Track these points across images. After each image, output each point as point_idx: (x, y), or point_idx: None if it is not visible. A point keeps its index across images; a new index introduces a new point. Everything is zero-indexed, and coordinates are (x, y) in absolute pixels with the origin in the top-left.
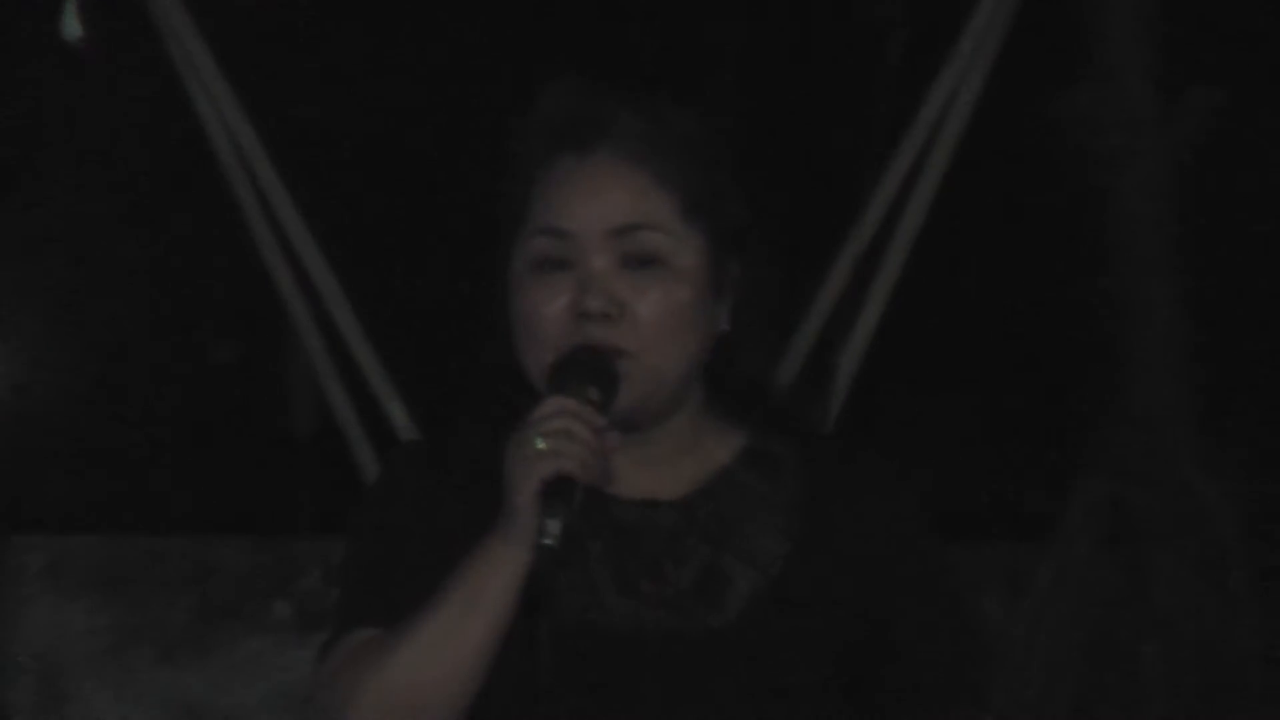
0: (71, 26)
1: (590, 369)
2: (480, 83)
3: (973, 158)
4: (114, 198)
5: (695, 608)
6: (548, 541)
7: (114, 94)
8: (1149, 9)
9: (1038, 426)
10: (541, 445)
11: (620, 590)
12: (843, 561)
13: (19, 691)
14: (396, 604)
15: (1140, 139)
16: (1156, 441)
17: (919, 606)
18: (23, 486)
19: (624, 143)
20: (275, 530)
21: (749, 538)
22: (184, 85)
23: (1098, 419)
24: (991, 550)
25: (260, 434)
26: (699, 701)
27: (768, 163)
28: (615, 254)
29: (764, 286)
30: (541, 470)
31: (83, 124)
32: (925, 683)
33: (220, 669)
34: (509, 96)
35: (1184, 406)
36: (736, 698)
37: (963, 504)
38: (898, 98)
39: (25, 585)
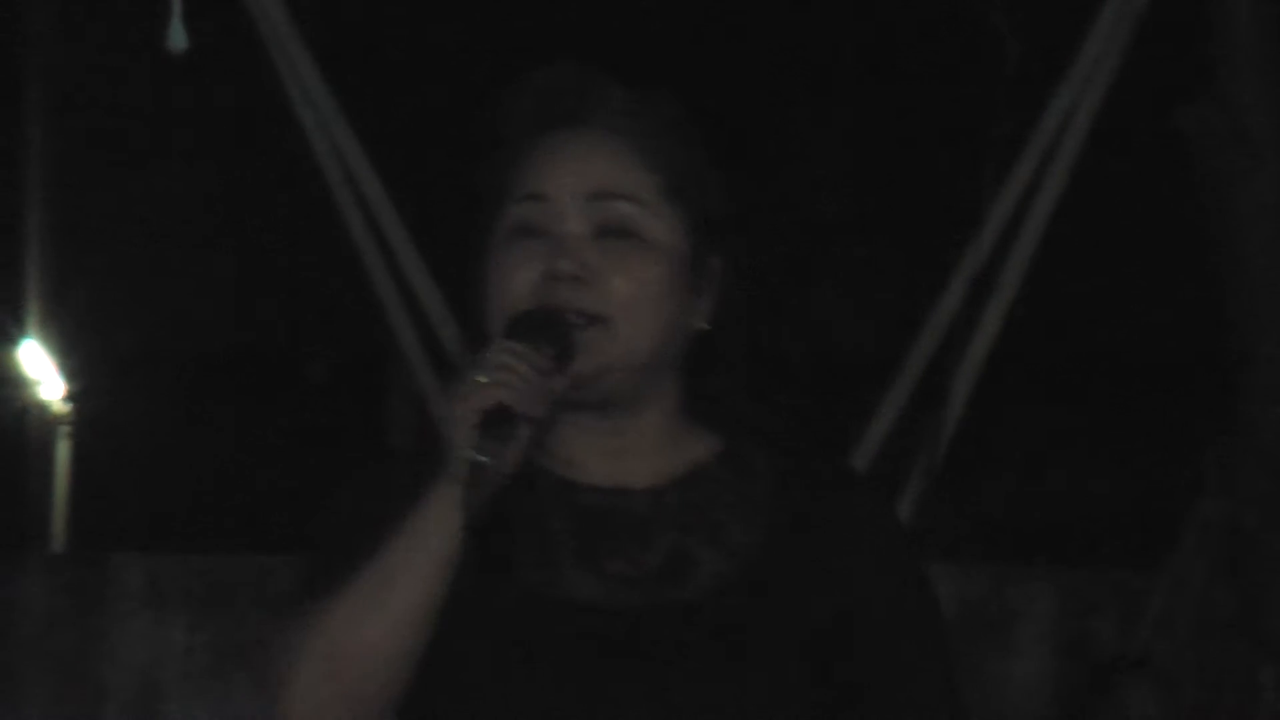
0: (179, 38)
1: (544, 326)
2: None
3: (1091, 174)
4: (211, 217)
5: (661, 586)
6: (481, 458)
7: (215, 102)
8: (1271, 28)
9: (1155, 449)
10: (481, 379)
11: (582, 566)
12: (815, 558)
13: (117, 709)
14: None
15: (1258, 158)
16: (1273, 465)
17: (892, 617)
18: (122, 504)
19: (610, 117)
20: None
21: (720, 526)
22: (286, 93)
23: (1215, 442)
24: (1107, 573)
25: (361, 451)
26: (662, 675)
27: (877, 173)
28: (591, 221)
29: (744, 287)
30: (479, 400)
31: (183, 135)
32: (894, 691)
33: None
34: None
35: None
36: (700, 674)
37: (1079, 526)
38: (1016, 113)
39: (124, 603)
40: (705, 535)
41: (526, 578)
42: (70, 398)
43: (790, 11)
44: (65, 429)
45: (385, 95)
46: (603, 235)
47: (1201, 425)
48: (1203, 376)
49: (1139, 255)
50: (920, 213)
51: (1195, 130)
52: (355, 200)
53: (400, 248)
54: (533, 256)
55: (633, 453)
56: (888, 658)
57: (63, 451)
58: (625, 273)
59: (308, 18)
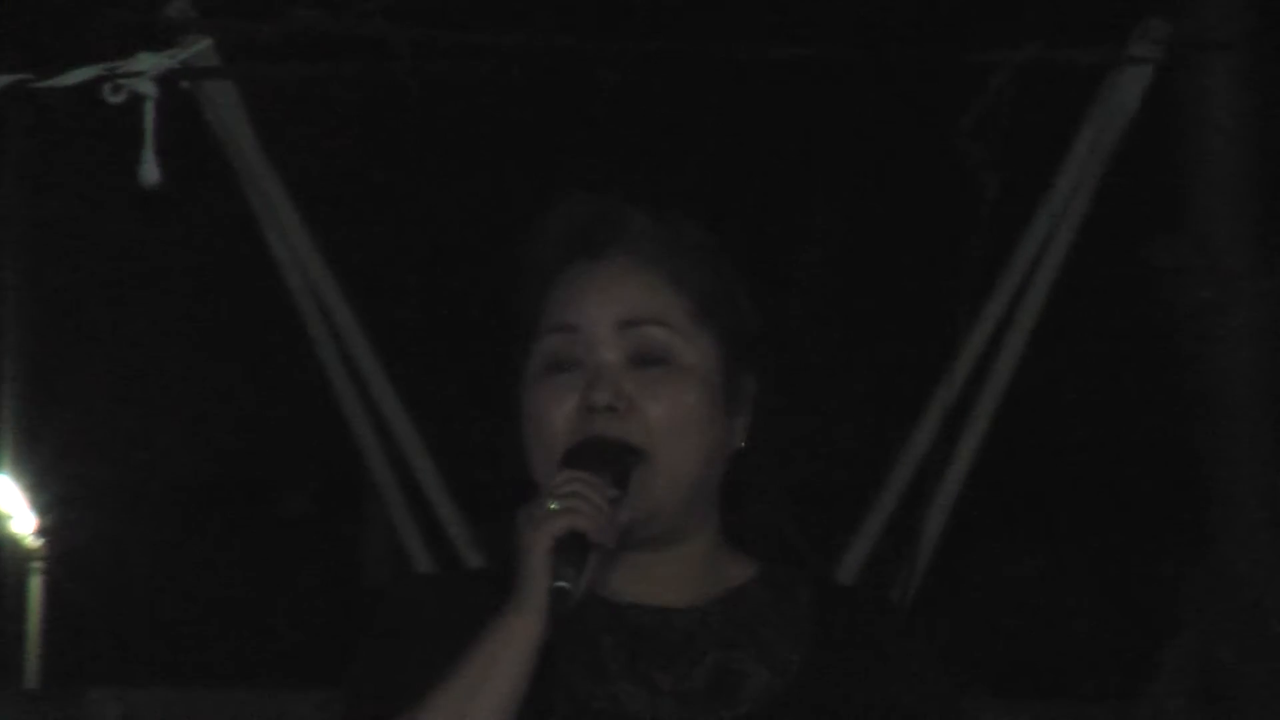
0: (150, 173)
1: (601, 456)
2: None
3: (1066, 304)
4: (186, 351)
5: (711, 702)
6: (561, 584)
7: (189, 236)
8: (1243, 162)
9: (1130, 583)
10: (553, 505)
11: (633, 680)
12: (857, 675)
13: None
14: (404, 698)
15: (1232, 292)
16: (1248, 599)
17: None
18: (97, 638)
19: (636, 244)
20: None
21: (764, 643)
22: (261, 228)
23: (1189, 576)
24: (1082, 709)
25: (333, 587)
26: None
27: (858, 298)
28: (624, 350)
29: (780, 405)
30: (553, 528)
31: (157, 269)
32: None
33: None
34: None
35: (1276, 563)
36: None
37: (1051, 660)
38: (991, 242)
39: None
40: (751, 651)
41: (580, 692)
42: (43, 532)
43: (768, 142)
44: (38, 564)
45: (362, 232)
46: (636, 364)
47: (1176, 559)
48: (1177, 510)
49: (1112, 389)
50: (895, 343)
51: (1169, 263)
52: (330, 334)
53: (374, 381)
54: (568, 389)
55: (676, 578)
56: None
57: (35, 586)
58: (662, 400)
59: (282, 153)
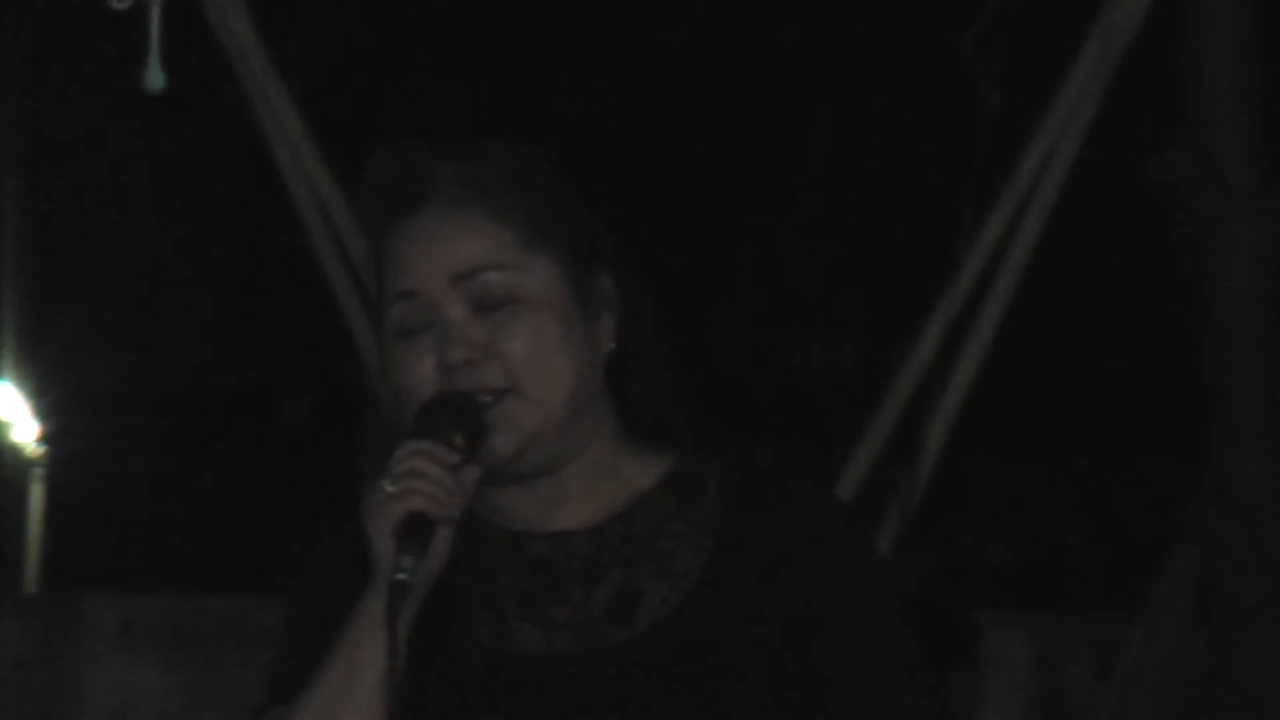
0: (155, 78)
1: (452, 411)
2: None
3: (1067, 221)
4: (188, 256)
5: (606, 627)
6: (400, 576)
7: (191, 143)
8: (1245, 74)
9: (1130, 496)
10: (391, 488)
11: (528, 618)
12: (764, 574)
13: None
14: (302, 682)
15: (1235, 204)
16: (1248, 514)
17: (851, 621)
18: (97, 545)
19: (447, 191)
20: None
21: (663, 555)
22: (263, 131)
23: (1189, 489)
24: (1080, 620)
25: (332, 494)
26: (614, 717)
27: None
28: (466, 301)
29: (643, 296)
30: (392, 513)
31: (159, 176)
32: (860, 695)
33: None
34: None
35: (1276, 480)
36: (652, 711)
37: (1051, 574)
38: (993, 157)
39: (98, 643)
40: (650, 567)
41: (477, 634)
42: (44, 439)
43: (765, 53)
44: (39, 470)
45: (363, 134)
46: (482, 310)
47: (1176, 472)
48: (1178, 424)
49: (1115, 303)
50: (897, 258)
51: (1172, 177)
52: (331, 239)
53: (374, 286)
54: (422, 352)
55: (574, 494)
56: (850, 663)
57: (36, 493)
58: (515, 338)
59: (285, 58)
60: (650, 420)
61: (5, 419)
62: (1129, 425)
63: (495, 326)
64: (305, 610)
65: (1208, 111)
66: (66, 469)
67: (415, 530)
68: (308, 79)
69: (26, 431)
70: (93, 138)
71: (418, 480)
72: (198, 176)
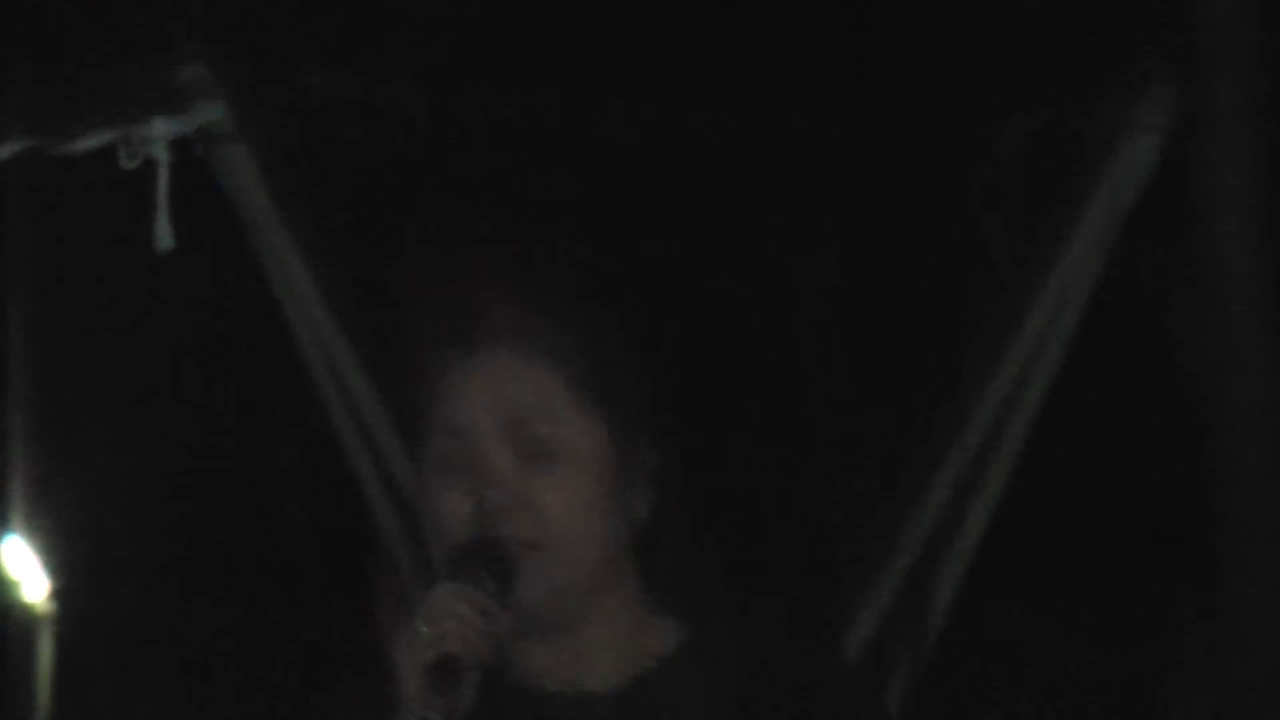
0: (164, 237)
1: (484, 558)
2: None
3: (1080, 365)
4: (196, 411)
5: None
6: (432, 717)
7: (199, 293)
8: (1256, 228)
9: (1137, 637)
10: (424, 630)
11: None
12: None
13: None
14: None
15: (1246, 354)
16: (1256, 655)
17: None
18: (108, 708)
19: (508, 336)
20: None
21: None
22: (274, 291)
23: (1196, 629)
24: None
25: (339, 639)
26: None
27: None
28: (512, 448)
29: (682, 474)
30: (424, 655)
31: (168, 328)
32: None
33: None
34: None
35: None
36: None
37: (1062, 713)
38: (1004, 307)
39: None
40: None
41: None
42: (55, 596)
43: (777, 201)
44: (49, 628)
45: (376, 293)
46: (525, 460)
47: (1183, 613)
48: (1187, 566)
49: (1122, 446)
50: (905, 410)
51: (1182, 325)
52: (343, 399)
53: (388, 446)
54: (459, 490)
55: (594, 654)
56: None
57: (45, 653)
58: (552, 492)
59: (296, 217)
60: (673, 589)
61: (13, 576)
62: (1137, 567)
63: (537, 478)
64: None
65: (1218, 259)
66: (77, 627)
67: (447, 672)
68: (319, 236)
69: (36, 589)
70: (100, 291)
71: (453, 623)
72: (205, 328)
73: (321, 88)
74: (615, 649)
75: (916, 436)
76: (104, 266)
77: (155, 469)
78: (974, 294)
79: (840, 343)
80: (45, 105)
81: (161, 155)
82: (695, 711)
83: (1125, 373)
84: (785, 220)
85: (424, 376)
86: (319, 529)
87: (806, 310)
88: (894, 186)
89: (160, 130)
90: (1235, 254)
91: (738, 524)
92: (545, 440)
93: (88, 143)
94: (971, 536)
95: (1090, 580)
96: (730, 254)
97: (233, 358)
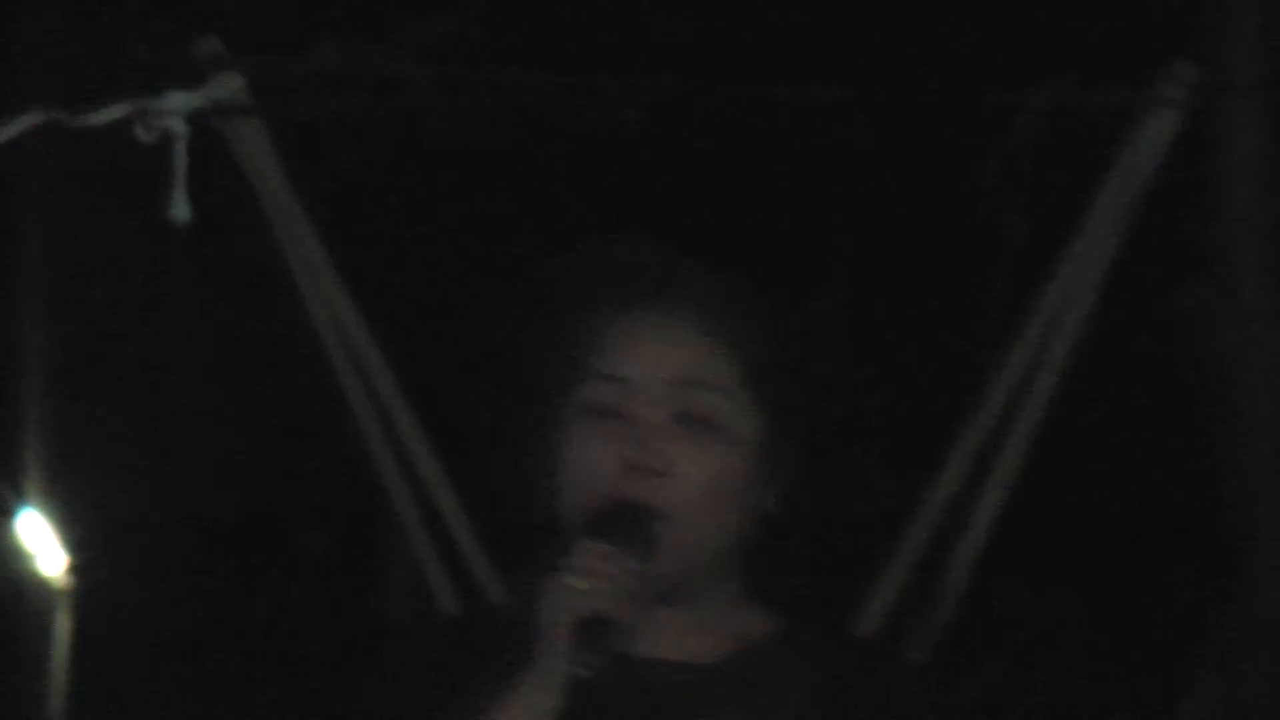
0: (181, 211)
1: (627, 522)
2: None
3: (1092, 352)
4: (212, 386)
5: None
6: (581, 673)
7: (215, 271)
8: (1269, 207)
9: (1153, 624)
10: (578, 585)
11: None
12: None
13: None
14: None
15: (1255, 338)
16: (1271, 640)
17: None
18: (123, 682)
19: (693, 302)
20: None
21: (775, 707)
22: (288, 268)
23: (1213, 617)
24: None
25: (358, 625)
26: None
27: (879, 355)
28: (673, 408)
29: (817, 475)
30: (577, 609)
31: (183, 304)
32: None
33: None
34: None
35: None
36: None
37: (1075, 703)
38: (1016, 288)
39: None
40: (759, 717)
41: None
42: (72, 570)
43: (788, 185)
44: (66, 602)
45: (387, 265)
46: (682, 424)
47: (1202, 601)
48: (1204, 553)
49: (1139, 432)
50: (918, 391)
51: (1193, 308)
52: (356, 373)
53: (400, 419)
54: (610, 441)
55: (693, 631)
56: None
57: (62, 626)
58: (701, 465)
59: (310, 189)
60: (771, 580)
61: (30, 549)
62: (1154, 553)
63: (688, 445)
64: (411, 695)
65: (1229, 241)
66: (94, 600)
67: (595, 630)
68: (334, 212)
69: (53, 562)
70: (116, 266)
71: (605, 582)
72: (221, 305)
73: (337, 61)
74: (711, 626)
75: (928, 422)
76: (120, 241)
77: (171, 444)
78: (988, 274)
79: (855, 325)
80: (61, 79)
81: (179, 128)
82: (785, 697)
83: (1140, 359)
84: (805, 206)
85: (594, 321)
86: (334, 505)
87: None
88: (910, 166)
89: (177, 104)
90: (1248, 235)
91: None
92: (706, 409)
93: (104, 116)
94: (984, 523)
95: (1104, 570)
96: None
97: (248, 333)
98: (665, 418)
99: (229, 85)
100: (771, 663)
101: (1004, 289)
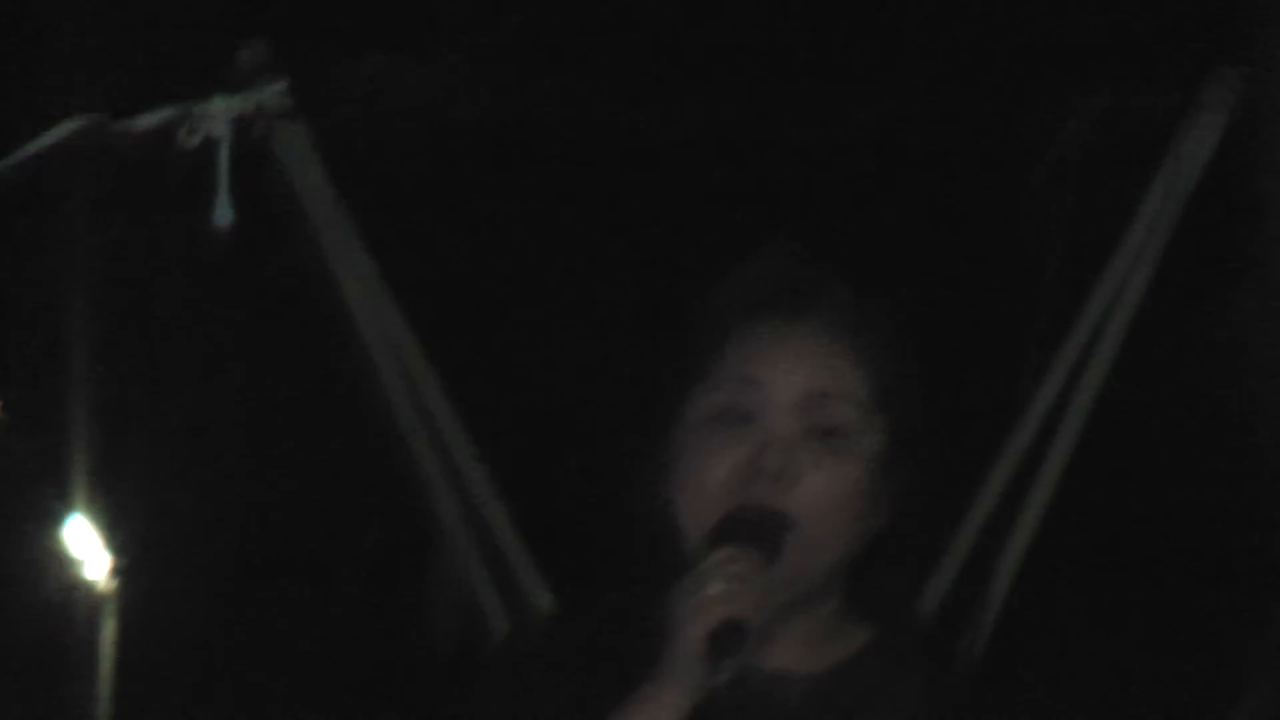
0: (224, 215)
1: (757, 529)
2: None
3: (1138, 356)
4: (259, 389)
5: None
6: (720, 679)
7: (259, 277)
8: None
9: (1200, 636)
10: (714, 590)
11: None
12: None
13: None
14: None
15: None
16: None
17: None
18: (168, 687)
19: (830, 316)
20: None
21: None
22: (333, 276)
23: (1262, 631)
24: None
25: (405, 637)
26: None
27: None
28: (802, 420)
29: (929, 494)
30: (714, 615)
31: (229, 309)
32: None
33: None
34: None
35: None
36: None
37: (1121, 705)
38: (1063, 293)
39: None
40: None
41: None
42: (117, 574)
43: (829, 197)
44: (111, 607)
45: (432, 273)
46: (810, 435)
47: (1250, 615)
48: (1252, 565)
49: (1183, 441)
50: (962, 399)
51: (1242, 313)
52: (403, 381)
53: (448, 429)
54: (737, 446)
55: (796, 641)
56: None
57: (109, 632)
58: (828, 477)
59: (354, 197)
60: (872, 591)
61: (76, 555)
62: (1197, 566)
63: (817, 457)
64: (512, 706)
65: (1275, 246)
66: (140, 605)
67: (731, 636)
68: (379, 220)
69: (99, 567)
70: (163, 271)
71: (741, 587)
72: (268, 312)
73: (384, 70)
74: (815, 636)
75: (976, 420)
76: (165, 246)
77: (218, 449)
78: (1035, 278)
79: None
80: (105, 83)
81: (222, 133)
82: (885, 706)
83: (1186, 364)
84: (859, 215)
85: (729, 327)
86: (381, 512)
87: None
88: (957, 170)
89: (221, 108)
90: None
91: None
92: (837, 422)
93: (149, 120)
94: (1031, 523)
95: (1149, 573)
96: None
97: (294, 338)
98: (797, 426)
99: (274, 90)
100: (874, 673)
101: (1051, 293)
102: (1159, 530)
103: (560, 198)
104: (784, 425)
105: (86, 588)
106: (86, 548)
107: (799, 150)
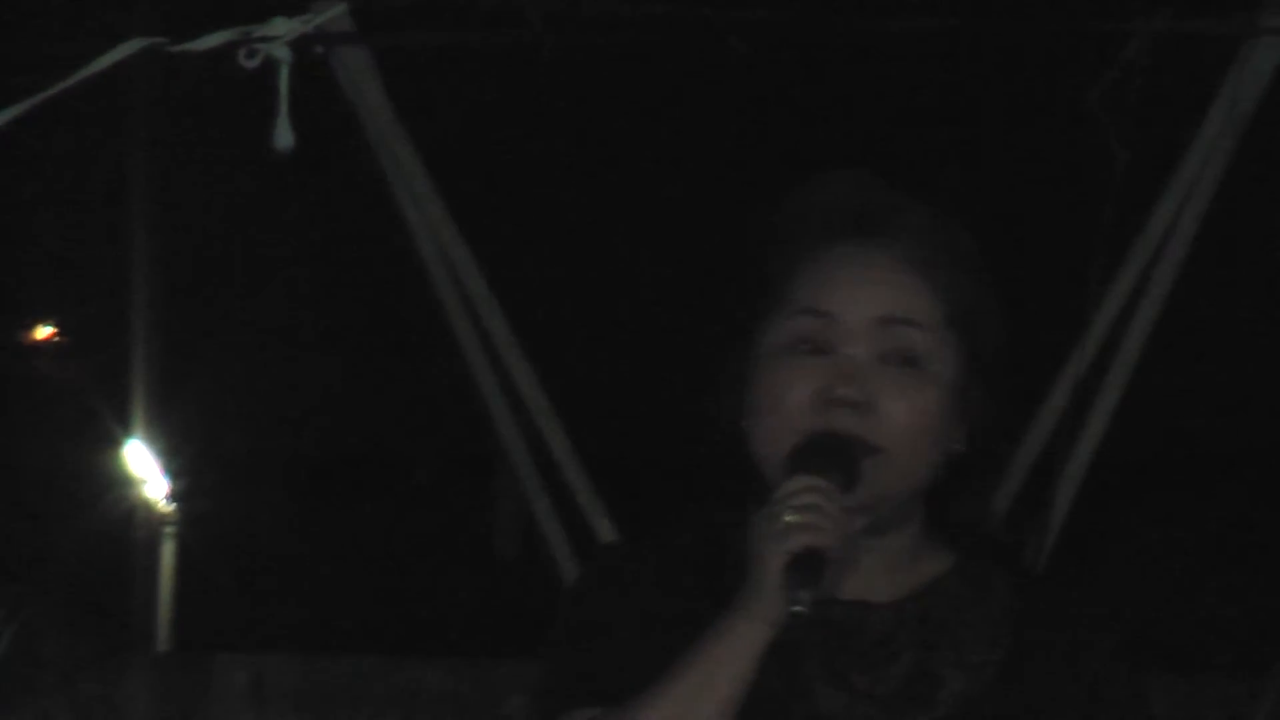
0: (284, 138)
1: (834, 455)
2: (698, 195)
3: (1199, 275)
4: (317, 318)
5: (906, 705)
6: (799, 609)
7: (321, 205)
8: None
9: (1259, 554)
10: (792, 519)
11: (830, 682)
12: (1050, 679)
13: None
14: (612, 689)
15: None
16: None
17: None
18: (227, 605)
19: (902, 239)
20: (478, 653)
21: (960, 644)
22: (393, 197)
23: None
24: (1209, 681)
25: (464, 555)
26: None
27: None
28: (876, 346)
29: (1004, 416)
30: (792, 543)
31: (290, 238)
32: None
33: None
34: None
35: None
36: None
37: (1181, 633)
38: (1121, 214)
39: (229, 702)
40: (948, 655)
41: (777, 691)
42: (175, 497)
43: (891, 119)
44: (170, 529)
45: (496, 199)
46: (886, 361)
47: None
48: None
49: (1245, 358)
50: (1023, 315)
51: None
52: (461, 302)
53: (506, 350)
54: (812, 374)
55: (877, 569)
56: None
57: (168, 551)
58: (905, 403)
59: (416, 118)
60: (953, 518)
61: (137, 475)
62: (1260, 484)
63: (891, 382)
64: (593, 620)
65: None
66: (197, 527)
67: (810, 565)
68: (437, 139)
69: (157, 489)
70: (223, 197)
71: (819, 515)
72: (327, 237)
73: None
74: (895, 564)
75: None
76: (224, 170)
77: (276, 374)
78: (1095, 201)
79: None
80: (165, 5)
81: (282, 55)
82: (971, 632)
83: (1245, 281)
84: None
85: (801, 253)
86: (438, 435)
87: None
88: (1017, 93)
89: (281, 30)
90: None
91: None
92: (911, 347)
93: (208, 42)
94: (1090, 445)
95: (1215, 491)
96: None
97: (353, 264)
98: (870, 354)
99: (334, 12)
100: (952, 600)
101: (1110, 216)
102: (1218, 447)
103: (627, 116)
104: (860, 352)
105: (145, 509)
106: (146, 471)
107: (869, 74)
